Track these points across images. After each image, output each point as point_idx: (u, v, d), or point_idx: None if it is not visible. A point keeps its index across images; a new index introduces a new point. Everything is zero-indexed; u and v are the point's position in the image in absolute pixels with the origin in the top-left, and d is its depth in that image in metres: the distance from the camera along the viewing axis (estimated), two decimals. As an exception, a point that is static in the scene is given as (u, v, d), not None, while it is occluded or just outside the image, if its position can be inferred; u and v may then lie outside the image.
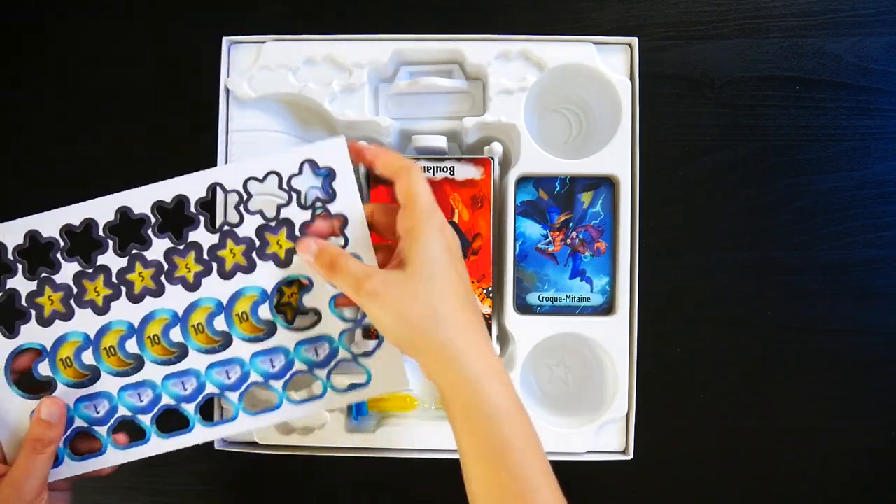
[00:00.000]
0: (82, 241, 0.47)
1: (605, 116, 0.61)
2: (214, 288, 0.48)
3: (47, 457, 0.47)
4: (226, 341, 0.49)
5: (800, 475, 0.65)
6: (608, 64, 0.60)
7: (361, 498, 0.65)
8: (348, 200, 0.48)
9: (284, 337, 0.49)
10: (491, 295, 0.59)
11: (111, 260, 0.48)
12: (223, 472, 0.65)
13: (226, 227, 0.48)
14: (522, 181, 0.60)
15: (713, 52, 0.64)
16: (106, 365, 0.49)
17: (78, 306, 0.48)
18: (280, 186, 0.47)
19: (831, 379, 0.64)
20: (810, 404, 0.64)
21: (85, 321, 0.48)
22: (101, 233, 0.47)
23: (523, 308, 0.61)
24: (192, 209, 0.48)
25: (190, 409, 0.50)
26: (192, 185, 0.47)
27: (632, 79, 0.60)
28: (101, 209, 0.47)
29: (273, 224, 0.48)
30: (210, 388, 0.50)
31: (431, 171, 0.59)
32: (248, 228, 0.48)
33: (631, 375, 0.59)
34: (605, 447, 0.60)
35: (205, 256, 0.48)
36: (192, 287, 0.48)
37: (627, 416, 0.60)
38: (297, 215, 0.48)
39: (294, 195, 0.48)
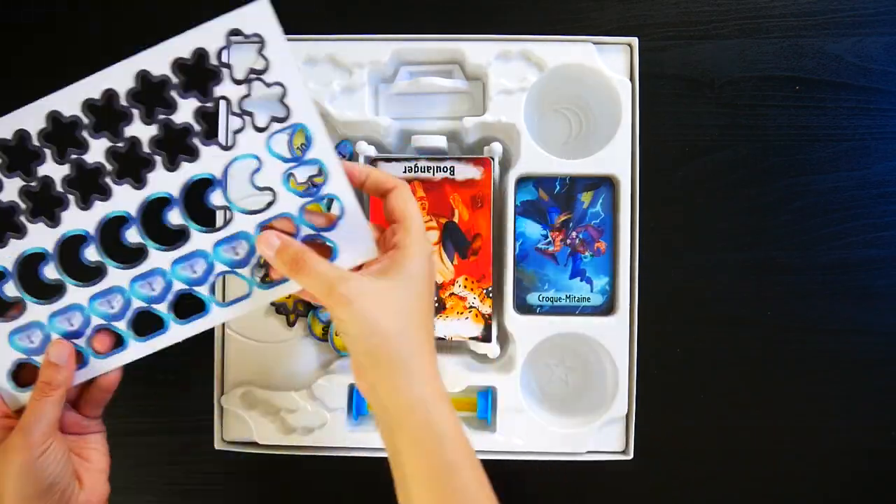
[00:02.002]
0: (106, 114, 0.46)
1: (605, 116, 0.61)
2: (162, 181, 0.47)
3: (56, 399, 0.46)
4: (185, 235, 0.48)
5: (800, 475, 0.65)
6: (608, 64, 0.60)
7: (362, 498, 0.65)
8: (288, 75, 0.46)
9: (243, 222, 0.48)
10: (491, 295, 0.59)
11: (140, 130, 0.46)
12: (223, 471, 0.65)
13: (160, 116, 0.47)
14: (522, 181, 0.60)
15: (713, 52, 0.64)
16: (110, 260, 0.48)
17: (115, 184, 0.47)
18: (209, 63, 0.46)
19: (831, 379, 0.64)
20: (810, 404, 0.64)
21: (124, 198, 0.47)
22: (123, 102, 0.46)
23: (523, 308, 0.61)
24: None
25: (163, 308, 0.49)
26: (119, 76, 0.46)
27: (632, 79, 0.60)
28: (120, 77, 0.46)
29: (210, 105, 0.47)
30: (178, 286, 0.49)
31: (431, 171, 0.59)
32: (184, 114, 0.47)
33: (631, 375, 0.59)
34: (605, 447, 0.60)
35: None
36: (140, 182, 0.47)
37: (627, 416, 0.60)
38: (233, 91, 0.46)
39: (225, 70, 0.46)
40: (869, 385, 0.64)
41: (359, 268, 0.48)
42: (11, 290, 0.48)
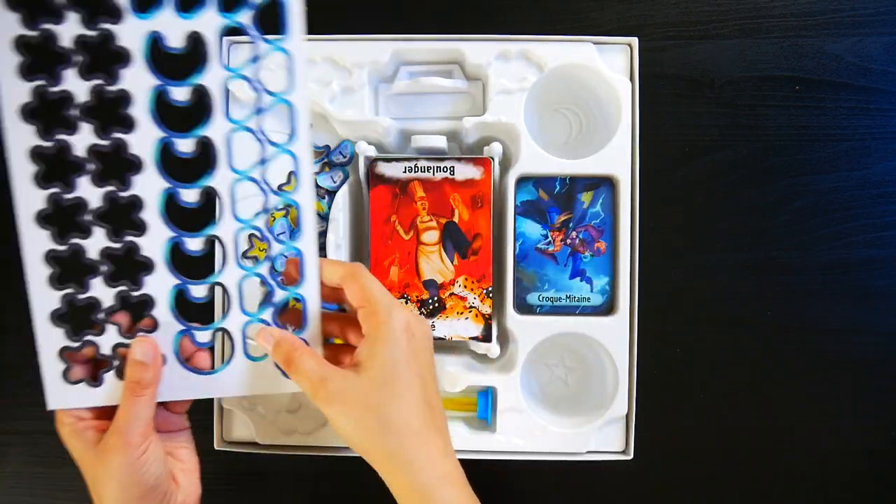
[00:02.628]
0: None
1: (605, 116, 0.61)
2: None
3: (149, 398, 0.46)
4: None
5: (800, 475, 0.65)
6: (608, 64, 0.60)
7: (362, 498, 0.65)
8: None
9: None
10: (491, 295, 0.59)
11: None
12: (223, 471, 0.65)
13: None
14: (522, 181, 0.60)
15: (713, 52, 0.64)
16: None
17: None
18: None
19: (831, 379, 0.64)
20: (810, 404, 0.64)
21: None
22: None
23: (523, 308, 0.61)
24: None
25: None
26: None
27: (632, 79, 0.60)
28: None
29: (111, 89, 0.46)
30: None
31: (431, 170, 0.59)
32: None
33: (631, 375, 0.59)
34: (605, 447, 0.60)
35: None
36: None
37: (627, 415, 0.60)
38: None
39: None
40: (869, 385, 0.64)
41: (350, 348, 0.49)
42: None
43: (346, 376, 0.44)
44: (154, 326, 0.48)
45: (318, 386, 0.44)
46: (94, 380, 0.47)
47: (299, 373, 0.45)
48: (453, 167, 0.59)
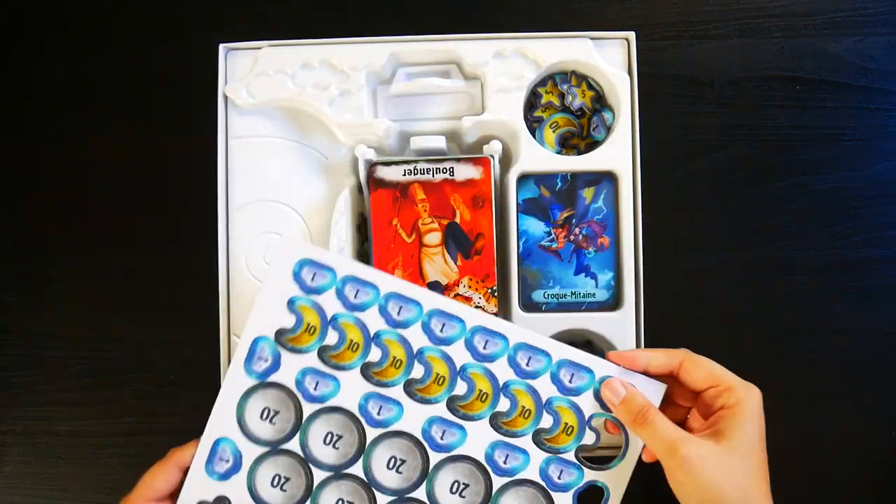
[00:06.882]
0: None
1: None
2: None
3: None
4: None
5: (799, 475, 0.64)
6: (606, 59, 0.60)
7: None
8: None
9: None
10: (496, 294, 0.59)
11: None
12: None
13: None
14: (523, 179, 0.60)
15: (713, 52, 0.64)
16: None
17: None
18: None
19: (831, 379, 0.64)
20: (810, 404, 0.64)
21: None
22: None
23: (529, 306, 0.61)
24: None
25: None
26: None
27: (630, 73, 0.60)
28: None
29: None
30: None
31: (431, 172, 0.59)
32: None
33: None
34: (615, 441, 0.60)
35: None
36: None
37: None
38: None
39: None
40: (869, 385, 0.64)
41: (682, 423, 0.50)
42: None
43: (706, 442, 0.46)
44: None
45: (680, 445, 0.45)
46: None
47: (655, 432, 0.47)
48: (452, 168, 0.59)
